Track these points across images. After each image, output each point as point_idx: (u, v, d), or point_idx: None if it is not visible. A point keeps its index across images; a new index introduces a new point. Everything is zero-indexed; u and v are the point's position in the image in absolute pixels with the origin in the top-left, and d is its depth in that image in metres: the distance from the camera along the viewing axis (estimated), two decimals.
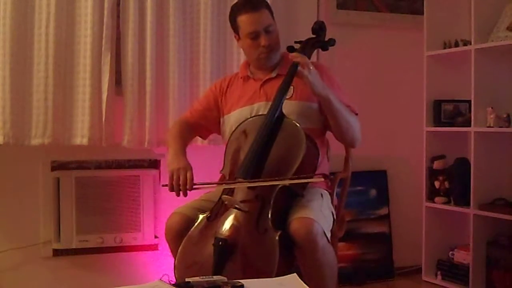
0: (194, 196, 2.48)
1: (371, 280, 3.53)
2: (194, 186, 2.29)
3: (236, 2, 2.57)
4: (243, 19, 2.47)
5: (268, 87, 2.50)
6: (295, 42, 2.54)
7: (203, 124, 2.64)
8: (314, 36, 2.55)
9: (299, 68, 2.28)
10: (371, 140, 3.26)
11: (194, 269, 2.15)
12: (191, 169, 2.32)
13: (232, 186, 2.29)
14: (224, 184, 2.33)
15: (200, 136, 2.76)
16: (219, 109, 2.61)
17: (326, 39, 2.56)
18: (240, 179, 2.24)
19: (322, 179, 2.27)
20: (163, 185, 2.36)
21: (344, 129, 2.41)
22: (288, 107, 2.39)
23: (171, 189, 2.30)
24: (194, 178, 2.29)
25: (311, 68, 2.29)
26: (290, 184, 2.19)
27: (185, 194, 2.30)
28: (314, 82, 2.29)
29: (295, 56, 2.33)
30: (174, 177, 2.30)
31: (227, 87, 2.61)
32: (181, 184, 2.28)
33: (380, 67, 3.68)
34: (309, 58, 2.49)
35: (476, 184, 3.26)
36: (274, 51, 2.51)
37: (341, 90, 2.54)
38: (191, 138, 2.66)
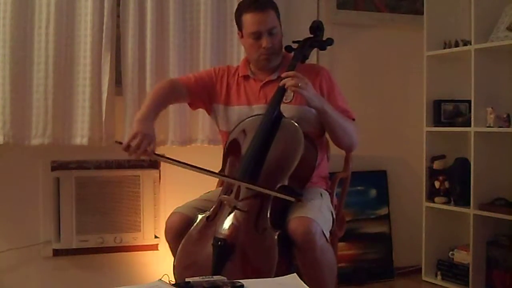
0: (194, 196, 2.49)
1: (371, 280, 3.53)
2: (153, 155, 2.23)
3: None
4: (247, 18, 2.44)
5: (268, 89, 2.48)
6: (293, 42, 2.54)
7: (198, 94, 2.56)
8: (311, 35, 2.55)
9: (297, 89, 2.26)
10: (371, 140, 3.27)
11: (194, 269, 2.16)
12: (155, 140, 2.25)
13: (203, 173, 2.23)
14: (195, 169, 2.22)
15: (189, 105, 2.65)
16: (215, 92, 2.56)
17: (324, 38, 2.56)
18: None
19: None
20: (116, 142, 2.30)
21: (340, 137, 2.43)
22: (288, 111, 2.39)
23: (127, 149, 2.20)
24: None
25: (306, 83, 2.28)
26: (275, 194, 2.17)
27: (137, 158, 2.22)
28: (311, 96, 2.29)
29: (286, 77, 2.30)
30: (136, 140, 2.19)
31: (228, 77, 2.58)
32: (141, 150, 2.18)
33: (380, 67, 3.68)
34: (307, 58, 2.50)
35: (476, 184, 3.26)
36: (275, 54, 2.49)
37: (340, 94, 2.54)
38: (177, 101, 2.61)
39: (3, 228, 3.03)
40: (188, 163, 2.22)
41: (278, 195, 2.15)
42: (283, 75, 2.33)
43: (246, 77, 2.56)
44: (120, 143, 2.24)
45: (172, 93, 2.51)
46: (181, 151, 3.13)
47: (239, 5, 2.54)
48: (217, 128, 2.63)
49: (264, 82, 2.51)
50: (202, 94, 2.56)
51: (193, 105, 2.65)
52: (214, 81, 2.57)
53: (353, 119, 2.50)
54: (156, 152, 2.25)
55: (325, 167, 2.56)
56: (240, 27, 2.51)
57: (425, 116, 3.57)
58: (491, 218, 3.19)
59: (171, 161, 2.28)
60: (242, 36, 2.52)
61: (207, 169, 2.23)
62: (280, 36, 2.48)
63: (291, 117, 2.36)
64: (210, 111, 2.61)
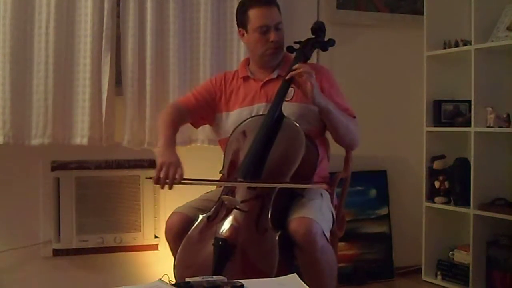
0: (194, 196, 2.49)
1: (371, 280, 3.53)
2: (182, 181, 2.24)
3: None
4: (254, 13, 2.47)
5: (268, 88, 2.50)
6: (295, 42, 2.54)
7: (200, 112, 2.59)
8: (313, 36, 2.55)
9: (304, 77, 2.27)
10: (371, 140, 3.27)
11: (194, 269, 2.15)
12: (181, 165, 2.26)
13: (223, 184, 2.29)
14: (215, 183, 2.31)
15: (192, 124, 2.67)
16: (216, 104, 2.58)
17: (326, 39, 2.57)
18: (239, 180, 2.24)
19: (325, 186, 2.28)
20: (147, 178, 2.31)
21: (342, 135, 2.44)
22: (288, 109, 2.39)
23: (157, 182, 2.23)
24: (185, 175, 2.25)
25: (313, 76, 2.29)
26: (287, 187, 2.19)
27: (170, 188, 2.24)
28: (316, 91, 2.29)
29: (298, 68, 2.31)
30: (164, 171, 2.22)
31: (226, 84, 2.59)
32: (170, 179, 2.21)
33: (380, 67, 3.67)
34: (309, 58, 2.50)
35: (476, 184, 3.26)
36: (280, 50, 2.51)
37: (340, 93, 2.54)
38: (183, 123, 2.60)
39: (3, 228, 3.03)
40: (212, 179, 2.32)
41: (289, 185, 2.17)
42: (293, 70, 2.32)
43: (245, 78, 2.57)
44: (151, 178, 2.25)
45: (179, 118, 2.53)
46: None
47: (242, 2, 2.55)
48: (218, 137, 2.63)
49: (264, 81, 2.52)
50: (205, 110, 2.58)
51: (196, 124, 2.68)
52: (213, 94, 2.59)
53: (354, 117, 2.51)
54: (185, 177, 2.25)
55: (325, 167, 2.56)
56: (244, 23, 2.52)
57: (425, 116, 3.57)
58: (491, 218, 3.19)
59: (203, 183, 2.32)
60: (245, 33, 2.53)
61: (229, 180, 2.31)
62: (283, 32, 2.51)
63: (291, 114, 2.37)
64: (212, 122, 2.62)
